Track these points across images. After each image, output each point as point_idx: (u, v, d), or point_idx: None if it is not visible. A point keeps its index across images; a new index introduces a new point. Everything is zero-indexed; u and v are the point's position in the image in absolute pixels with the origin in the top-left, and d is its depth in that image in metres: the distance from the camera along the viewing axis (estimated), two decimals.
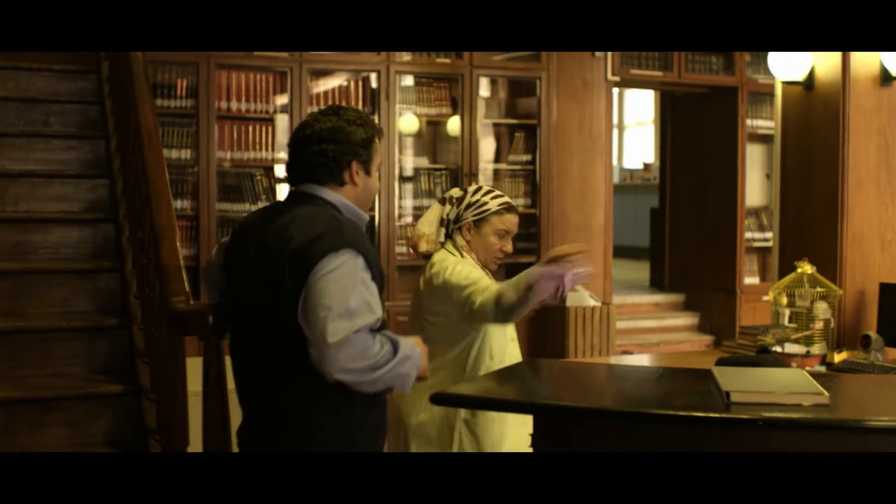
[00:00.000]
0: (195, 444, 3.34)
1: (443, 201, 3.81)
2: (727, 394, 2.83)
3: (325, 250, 2.66)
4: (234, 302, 2.92)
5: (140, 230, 4.35)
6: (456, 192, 3.82)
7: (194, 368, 3.30)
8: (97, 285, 4.74)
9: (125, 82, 4.88)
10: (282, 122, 7.41)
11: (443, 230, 3.76)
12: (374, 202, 7.60)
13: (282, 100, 7.43)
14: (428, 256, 3.77)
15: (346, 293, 2.65)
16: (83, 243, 4.97)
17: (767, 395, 2.85)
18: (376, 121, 7.53)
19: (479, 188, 3.75)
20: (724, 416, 2.77)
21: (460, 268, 3.56)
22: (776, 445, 2.98)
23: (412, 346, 2.90)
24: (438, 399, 2.99)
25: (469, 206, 3.65)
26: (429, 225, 3.78)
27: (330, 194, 2.87)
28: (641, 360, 6.14)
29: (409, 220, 7.91)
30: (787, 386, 2.92)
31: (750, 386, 2.91)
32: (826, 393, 2.85)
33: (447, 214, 3.75)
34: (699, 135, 9.50)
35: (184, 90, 7.16)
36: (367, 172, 2.92)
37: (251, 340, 2.85)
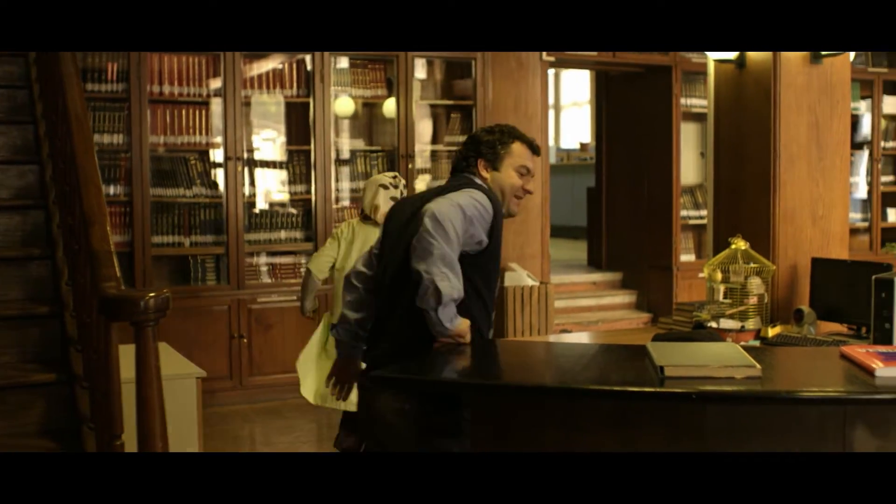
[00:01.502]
0: (129, 432, 3.30)
1: (385, 187, 5.06)
2: (661, 368, 2.85)
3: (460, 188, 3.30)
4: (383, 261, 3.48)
5: (70, 216, 4.27)
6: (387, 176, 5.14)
7: (128, 355, 3.25)
8: (28, 273, 4.65)
9: (53, 66, 4.79)
10: (216, 105, 7.34)
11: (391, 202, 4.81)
12: (311, 185, 7.57)
13: (216, 83, 7.35)
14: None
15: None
16: (12, 231, 4.87)
17: (701, 368, 2.87)
18: (311, 103, 7.48)
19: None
20: (658, 390, 2.79)
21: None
22: (711, 418, 3.02)
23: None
24: (377, 381, 2.97)
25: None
26: (386, 204, 4.96)
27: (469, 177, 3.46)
28: (580, 338, 6.18)
29: (346, 202, 7.87)
30: (720, 359, 2.95)
31: (684, 360, 2.93)
32: (758, 366, 2.88)
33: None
34: (634, 114, 9.56)
35: (115, 74, 7.05)
36: (496, 168, 3.48)
37: (394, 288, 3.37)
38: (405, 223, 3.37)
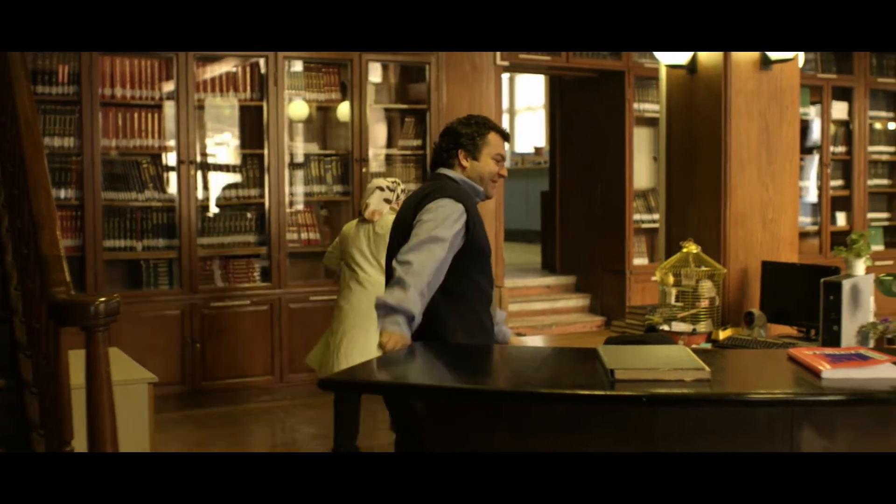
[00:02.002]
0: (80, 438, 3.28)
1: (381, 189, 5.63)
2: (612, 372, 2.88)
3: (431, 198, 3.63)
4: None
5: (19, 220, 4.23)
6: (386, 181, 5.71)
7: (79, 360, 3.23)
8: None
9: (1, 68, 4.74)
10: (169, 108, 7.28)
11: (387, 205, 5.60)
12: (264, 188, 7.54)
13: (168, 86, 7.29)
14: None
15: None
16: None
17: (651, 371, 2.90)
18: (265, 106, 7.45)
19: None
20: (608, 393, 2.81)
21: None
22: (661, 420, 3.05)
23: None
24: (326, 385, 2.97)
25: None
26: (378, 204, 5.59)
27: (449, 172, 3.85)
28: (534, 341, 6.21)
29: (300, 206, 7.85)
30: (669, 362, 2.98)
31: (634, 364, 2.96)
32: (707, 368, 2.92)
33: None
34: (588, 119, 9.62)
35: (66, 76, 6.98)
36: (475, 158, 3.83)
37: None
38: (404, 215, 3.79)
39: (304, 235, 7.85)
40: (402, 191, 5.77)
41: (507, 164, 13.60)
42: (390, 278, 3.52)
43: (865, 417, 3.10)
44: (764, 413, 3.05)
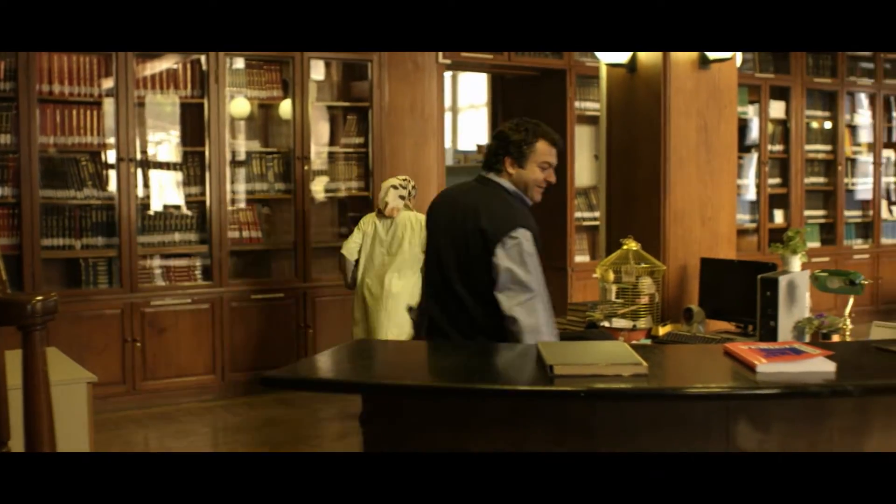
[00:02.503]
0: (17, 439, 3.24)
1: (395, 187, 6.50)
2: (551, 367, 2.90)
3: (511, 227, 3.75)
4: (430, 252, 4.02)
5: None
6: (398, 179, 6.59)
7: (15, 360, 3.18)
8: None
9: None
10: (108, 105, 7.20)
11: (402, 201, 6.50)
12: (205, 186, 7.49)
13: (108, 83, 7.22)
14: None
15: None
16: None
17: (589, 367, 2.93)
18: (206, 104, 7.41)
19: None
20: (547, 388, 2.84)
21: None
22: (599, 415, 3.08)
23: None
24: (268, 382, 2.97)
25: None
26: (395, 201, 6.48)
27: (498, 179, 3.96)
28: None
29: (242, 204, 7.81)
30: (608, 358, 3.01)
31: (573, 359, 2.99)
32: (645, 363, 2.95)
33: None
34: (530, 117, 9.60)
35: (2, 72, 6.88)
36: (521, 166, 3.92)
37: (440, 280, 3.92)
38: (458, 222, 3.90)
39: (245, 234, 7.81)
40: (413, 186, 6.67)
41: (450, 162, 13.64)
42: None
43: (799, 410, 3.16)
44: (700, 407, 3.10)
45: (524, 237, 3.75)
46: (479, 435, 3.11)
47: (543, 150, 3.94)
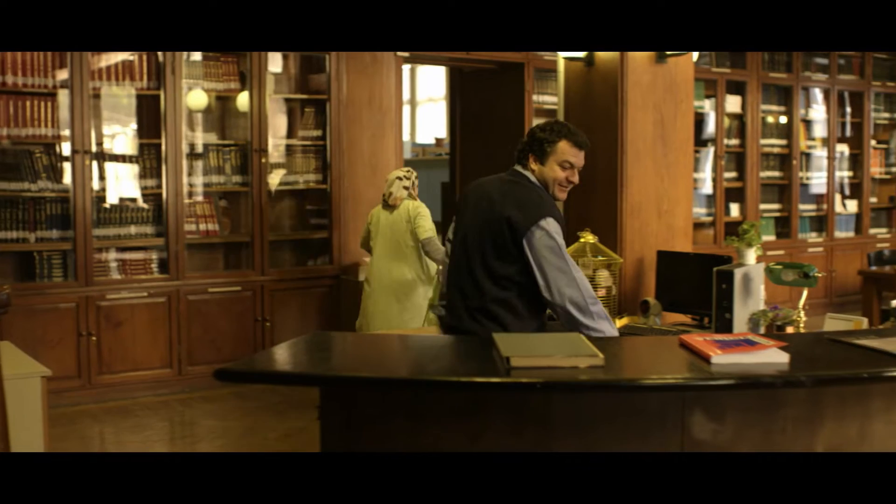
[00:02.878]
0: None
1: (400, 178, 6.76)
2: (507, 359, 2.91)
3: (540, 215, 3.95)
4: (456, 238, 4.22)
5: None
6: (402, 171, 6.86)
7: None
8: None
9: None
10: (63, 97, 7.12)
11: (406, 192, 6.74)
12: (162, 179, 7.44)
13: (62, 74, 7.14)
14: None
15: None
16: None
17: (546, 358, 2.94)
18: (162, 95, 7.35)
19: None
20: (504, 380, 2.85)
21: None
22: (556, 406, 3.10)
23: None
24: (222, 375, 2.95)
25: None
26: (399, 191, 6.72)
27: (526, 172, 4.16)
28: (434, 330, 6.23)
29: (199, 197, 7.76)
30: (564, 350, 3.03)
31: (530, 351, 3.00)
32: (601, 355, 2.97)
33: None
34: (488, 110, 9.66)
35: None
36: (542, 164, 4.13)
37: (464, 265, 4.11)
38: (486, 210, 4.08)
39: (202, 226, 7.76)
40: (416, 176, 6.92)
41: (408, 155, 13.65)
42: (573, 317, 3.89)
43: (753, 400, 3.20)
44: (656, 398, 3.12)
45: (551, 226, 3.94)
46: (437, 426, 3.12)
47: (565, 150, 4.10)
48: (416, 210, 6.69)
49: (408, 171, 6.90)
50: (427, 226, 6.64)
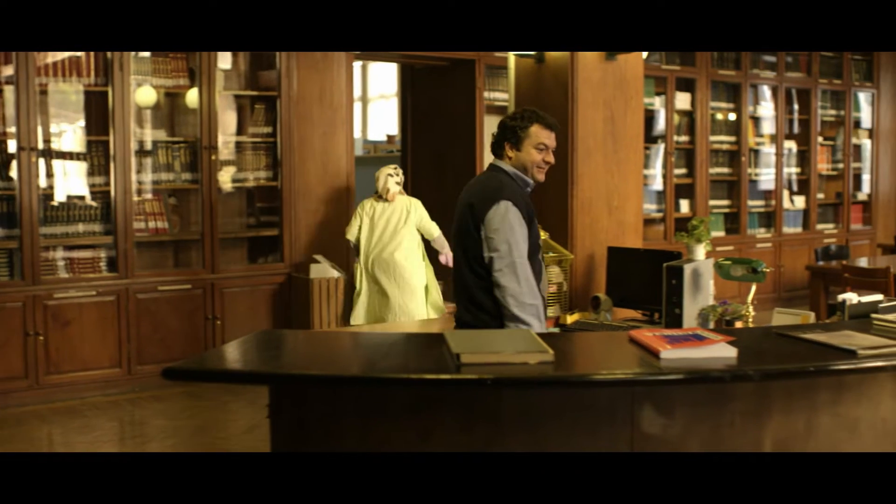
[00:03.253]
0: None
1: (391, 175, 7.56)
2: (457, 356, 2.91)
3: (492, 202, 4.09)
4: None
5: None
6: (390, 167, 7.65)
7: None
8: None
9: None
10: (9, 93, 7.02)
11: (398, 186, 7.56)
12: (110, 176, 7.36)
13: (7, 70, 7.04)
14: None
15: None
16: None
17: (496, 355, 2.95)
18: (110, 92, 7.27)
19: None
20: (454, 377, 2.85)
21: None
22: (506, 402, 3.10)
23: None
24: (170, 374, 2.92)
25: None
26: (394, 187, 7.55)
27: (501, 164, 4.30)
28: (386, 327, 6.22)
29: (148, 195, 7.68)
30: (514, 346, 3.03)
31: (480, 347, 3.00)
32: (551, 351, 2.98)
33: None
34: (439, 107, 9.66)
35: None
36: (518, 150, 4.25)
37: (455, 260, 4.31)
38: (465, 207, 4.23)
39: (151, 224, 7.69)
40: (401, 174, 7.69)
41: (359, 152, 13.58)
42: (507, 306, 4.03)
43: (702, 395, 3.22)
44: (606, 393, 3.13)
45: (504, 208, 4.07)
46: (388, 423, 3.11)
47: (538, 133, 4.25)
48: (417, 206, 7.64)
49: (395, 168, 7.66)
50: (433, 224, 7.71)
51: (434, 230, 7.71)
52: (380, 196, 7.59)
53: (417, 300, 7.54)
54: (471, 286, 4.17)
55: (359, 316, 7.61)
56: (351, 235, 7.69)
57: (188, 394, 7.25)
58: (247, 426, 6.47)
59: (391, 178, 7.57)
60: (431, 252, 7.88)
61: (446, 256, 7.75)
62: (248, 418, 6.62)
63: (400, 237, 7.52)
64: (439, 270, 7.94)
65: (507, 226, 4.06)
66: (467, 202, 4.21)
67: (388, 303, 7.48)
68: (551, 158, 4.35)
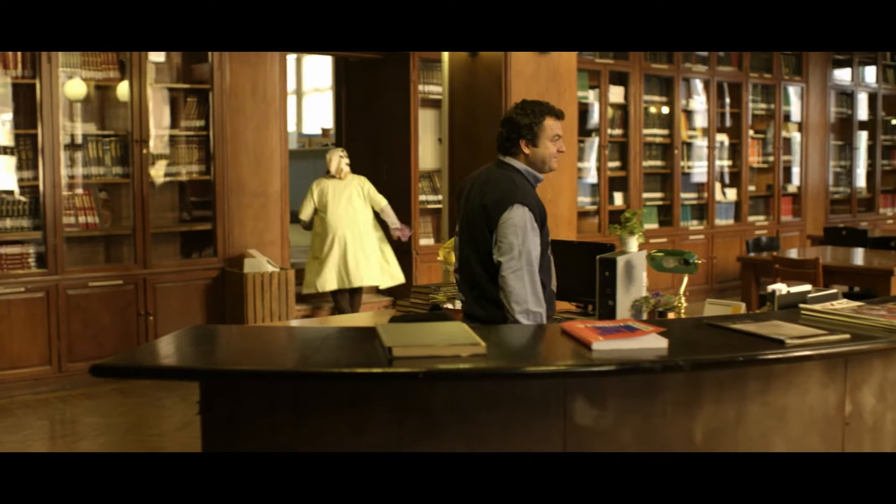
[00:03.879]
0: None
1: (341, 156, 8.50)
2: (389, 349, 2.90)
3: (506, 204, 4.10)
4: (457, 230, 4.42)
5: None
6: (339, 150, 8.63)
7: None
8: None
9: None
10: None
11: (347, 166, 8.48)
12: (39, 170, 7.23)
13: None
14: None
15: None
16: None
17: (428, 348, 2.94)
18: (38, 85, 7.15)
19: None
20: (386, 370, 2.84)
21: None
22: (439, 395, 3.10)
23: None
24: (98, 371, 2.87)
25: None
26: (345, 166, 8.45)
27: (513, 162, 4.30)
28: (321, 322, 6.19)
29: (78, 189, 7.57)
30: (446, 339, 3.03)
31: (412, 341, 2.99)
32: (483, 343, 2.98)
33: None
34: (374, 101, 9.64)
35: None
36: (535, 145, 4.23)
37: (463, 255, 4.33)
38: (478, 207, 4.23)
39: (82, 219, 7.57)
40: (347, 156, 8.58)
41: (294, 145, 13.55)
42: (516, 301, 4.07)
43: (634, 385, 3.24)
44: (538, 385, 3.14)
45: (519, 213, 4.09)
46: (321, 418, 3.09)
47: (551, 125, 4.28)
48: (364, 182, 8.50)
49: (343, 151, 8.63)
50: (380, 195, 8.52)
51: (382, 201, 8.51)
52: (332, 175, 8.37)
53: (377, 265, 8.46)
54: (483, 283, 4.20)
55: (330, 281, 8.27)
56: (305, 216, 8.41)
57: (120, 391, 7.16)
58: (180, 423, 6.40)
59: (342, 159, 8.45)
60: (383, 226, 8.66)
61: (400, 231, 8.59)
62: (181, 415, 6.55)
63: (359, 208, 8.37)
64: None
65: (521, 232, 4.08)
66: (480, 203, 4.21)
67: (355, 267, 8.27)
68: (563, 147, 4.41)
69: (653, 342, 3.15)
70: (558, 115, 4.35)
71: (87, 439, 6.18)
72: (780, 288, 4.31)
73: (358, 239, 8.34)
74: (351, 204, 8.38)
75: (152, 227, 7.74)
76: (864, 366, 3.67)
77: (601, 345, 3.08)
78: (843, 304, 3.87)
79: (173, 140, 8.05)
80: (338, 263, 8.30)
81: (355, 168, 8.78)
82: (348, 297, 8.53)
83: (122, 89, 7.69)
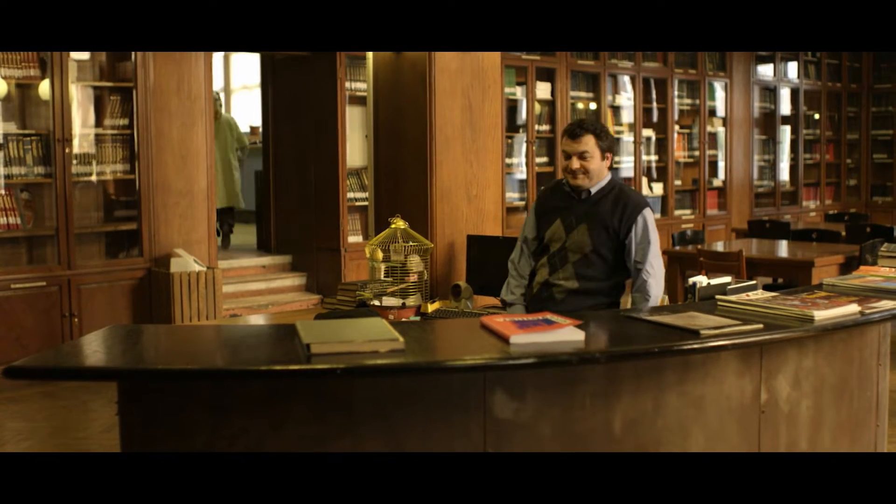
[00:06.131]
0: None
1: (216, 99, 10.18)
2: (308, 346, 2.91)
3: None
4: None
5: None
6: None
7: None
8: None
9: None
10: None
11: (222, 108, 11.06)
12: None
13: None
14: None
15: None
16: None
17: (346, 344, 2.95)
18: None
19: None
20: (304, 367, 2.84)
21: None
22: (358, 391, 3.11)
23: None
24: (11, 373, 2.83)
25: None
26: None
27: None
28: (249, 321, 6.16)
29: (0, 190, 7.44)
30: (365, 335, 3.04)
31: (330, 337, 3.00)
32: (401, 339, 2.99)
33: None
34: (301, 98, 9.60)
35: None
36: None
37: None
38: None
39: (3, 220, 7.45)
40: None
41: None
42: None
43: (552, 378, 3.28)
44: (458, 379, 3.17)
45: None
46: (241, 417, 3.08)
47: (563, 143, 4.66)
48: (235, 122, 11.22)
49: (217, 93, 10.57)
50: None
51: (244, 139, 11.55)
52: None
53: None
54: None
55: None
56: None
57: (45, 394, 7.06)
58: (106, 425, 6.33)
59: (216, 101, 10.18)
60: None
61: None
62: (107, 417, 6.48)
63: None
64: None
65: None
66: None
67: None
68: (574, 164, 4.61)
69: (570, 335, 3.18)
70: (568, 134, 4.64)
71: (11, 443, 6.09)
72: (701, 280, 4.37)
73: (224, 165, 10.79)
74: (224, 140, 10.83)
75: (76, 227, 7.65)
76: (779, 355, 3.75)
77: (519, 338, 3.11)
78: (758, 295, 3.94)
79: (97, 139, 7.94)
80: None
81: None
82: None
83: (44, 87, 7.58)
